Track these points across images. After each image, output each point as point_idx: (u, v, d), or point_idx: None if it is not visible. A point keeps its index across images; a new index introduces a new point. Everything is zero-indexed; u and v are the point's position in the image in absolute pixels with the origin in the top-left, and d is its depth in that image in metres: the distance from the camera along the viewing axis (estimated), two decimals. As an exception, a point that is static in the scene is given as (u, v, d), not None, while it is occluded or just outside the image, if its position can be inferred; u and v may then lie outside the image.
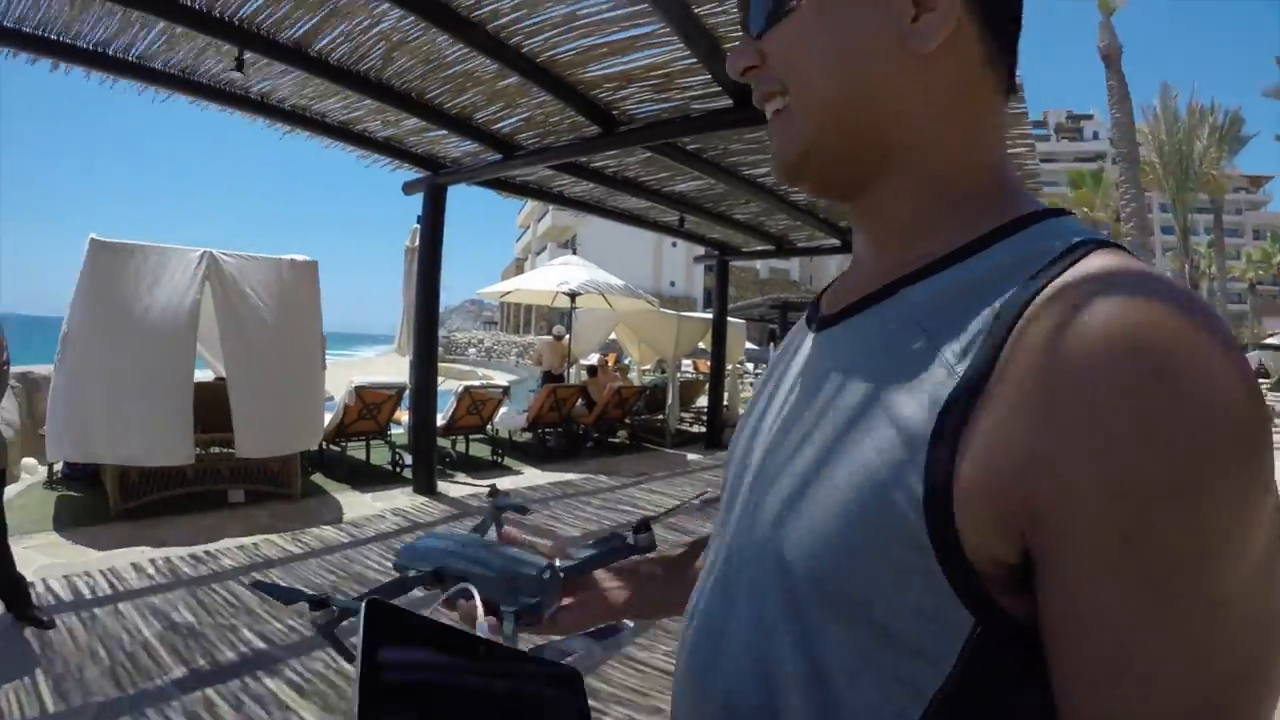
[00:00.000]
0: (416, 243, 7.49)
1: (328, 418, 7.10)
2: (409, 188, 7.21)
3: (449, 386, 8.64)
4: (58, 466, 6.25)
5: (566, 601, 0.76)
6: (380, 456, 7.76)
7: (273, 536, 5.19)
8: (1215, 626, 0.40)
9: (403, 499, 6.51)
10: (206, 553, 4.74)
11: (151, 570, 4.34)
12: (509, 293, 12.01)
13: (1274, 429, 0.46)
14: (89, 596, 3.93)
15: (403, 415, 7.89)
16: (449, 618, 0.68)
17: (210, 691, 2.99)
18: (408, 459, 7.25)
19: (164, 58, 4.81)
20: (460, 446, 8.58)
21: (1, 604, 3.55)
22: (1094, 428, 0.40)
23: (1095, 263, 0.45)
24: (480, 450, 8.72)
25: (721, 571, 0.59)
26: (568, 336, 11.40)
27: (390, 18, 4.22)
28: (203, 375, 6.56)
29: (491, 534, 0.83)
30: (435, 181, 6.95)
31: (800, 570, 0.50)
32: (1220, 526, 0.39)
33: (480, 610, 0.64)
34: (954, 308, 0.48)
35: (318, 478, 7.01)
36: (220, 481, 6.02)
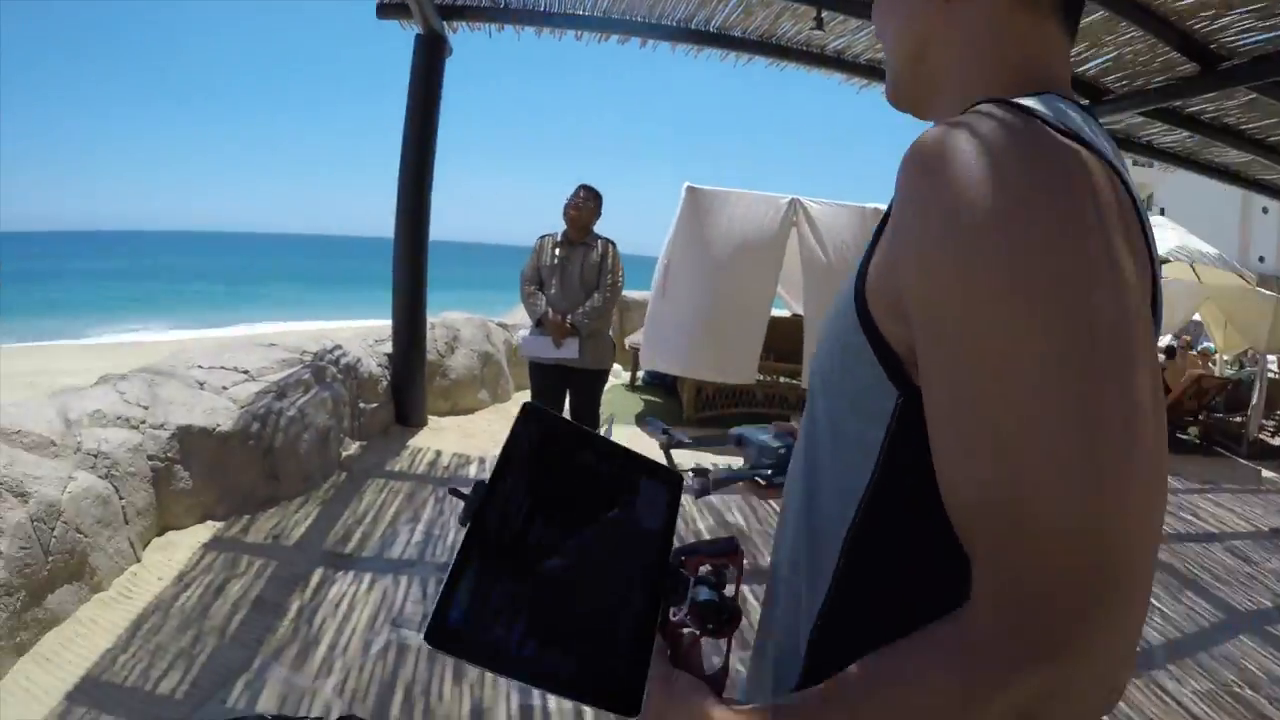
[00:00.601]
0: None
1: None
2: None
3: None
4: (640, 373, 7.64)
5: None
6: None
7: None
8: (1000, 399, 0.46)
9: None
10: (768, 468, 5.44)
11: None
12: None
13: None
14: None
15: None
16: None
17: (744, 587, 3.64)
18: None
19: (741, 26, 5.44)
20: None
21: None
22: (901, 223, 0.54)
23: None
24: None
25: None
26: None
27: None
28: (779, 312, 7.27)
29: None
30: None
31: (816, 369, 0.68)
32: (997, 293, 0.47)
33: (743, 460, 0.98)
34: None
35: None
36: (787, 408, 6.73)
